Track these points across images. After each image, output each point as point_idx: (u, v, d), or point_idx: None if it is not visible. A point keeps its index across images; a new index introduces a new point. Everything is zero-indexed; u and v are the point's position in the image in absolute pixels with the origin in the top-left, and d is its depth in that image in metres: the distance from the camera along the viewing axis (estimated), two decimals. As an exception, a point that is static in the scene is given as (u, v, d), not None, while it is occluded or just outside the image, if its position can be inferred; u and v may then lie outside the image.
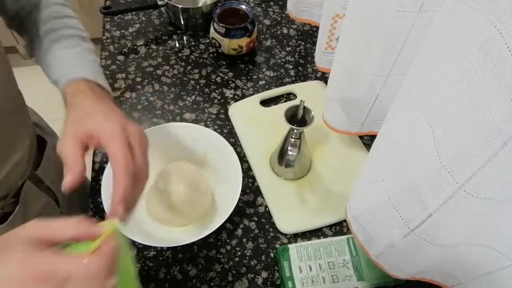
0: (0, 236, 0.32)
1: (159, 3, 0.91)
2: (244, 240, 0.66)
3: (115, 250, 0.33)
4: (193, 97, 0.84)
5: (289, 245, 0.63)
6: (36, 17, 0.59)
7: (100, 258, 0.31)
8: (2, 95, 0.55)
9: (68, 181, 0.41)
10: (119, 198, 0.40)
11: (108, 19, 0.98)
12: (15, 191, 0.60)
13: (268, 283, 0.62)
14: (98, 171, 0.72)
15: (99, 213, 0.62)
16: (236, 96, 0.85)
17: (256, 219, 0.69)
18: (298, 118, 0.65)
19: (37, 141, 0.67)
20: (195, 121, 0.79)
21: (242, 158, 0.74)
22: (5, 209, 0.59)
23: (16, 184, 0.60)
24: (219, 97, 0.84)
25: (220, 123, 0.80)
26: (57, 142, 0.45)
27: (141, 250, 0.64)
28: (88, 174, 0.73)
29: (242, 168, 0.64)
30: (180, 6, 0.91)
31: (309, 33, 0.97)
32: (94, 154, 0.75)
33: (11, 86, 0.58)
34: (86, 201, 0.69)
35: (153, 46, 0.93)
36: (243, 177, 0.66)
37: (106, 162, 0.72)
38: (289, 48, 0.93)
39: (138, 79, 0.86)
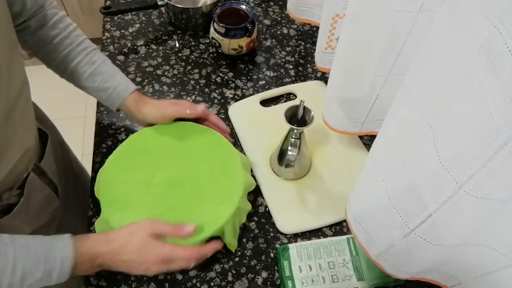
0: (129, 225, 0.55)
1: (159, 3, 0.91)
2: (244, 240, 0.66)
3: (202, 251, 0.56)
4: (193, 97, 0.84)
5: (289, 245, 0.63)
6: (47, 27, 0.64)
7: (193, 250, 0.55)
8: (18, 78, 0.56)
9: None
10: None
11: (108, 19, 0.98)
12: (19, 183, 0.61)
13: (268, 283, 0.62)
14: (98, 171, 0.72)
15: (98, 213, 0.62)
16: (236, 96, 0.85)
17: (256, 219, 0.69)
18: (298, 118, 0.65)
19: (39, 133, 0.68)
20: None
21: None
22: (10, 201, 0.60)
23: (21, 176, 0.61)
24: (219, 97, 0.84)
25: (220, 123, 0.80)
26: (163, 110, 0.67)
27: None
28: (88, 173, 0.73)
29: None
30: (180, 6, 0.91)
31: (309, 33, 0.97)
32: (94, 154, 0.75)
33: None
34: (83, 193, 0.70)
35: (153, 46, 0.93)
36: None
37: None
38: (289, 48, 0.93)
39: (138, 79, 0.86)
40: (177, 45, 0.93)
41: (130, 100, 0.67)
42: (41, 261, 0.49)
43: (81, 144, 1.78)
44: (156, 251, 0.53)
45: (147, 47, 0.92)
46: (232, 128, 0.79)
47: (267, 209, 0.69)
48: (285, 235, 0.67)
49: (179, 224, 0.56)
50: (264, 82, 0.87)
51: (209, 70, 0.89)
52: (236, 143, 0.77)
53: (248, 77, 0.88)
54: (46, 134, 0.71)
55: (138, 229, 0.54)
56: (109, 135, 0.78)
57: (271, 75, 0.88)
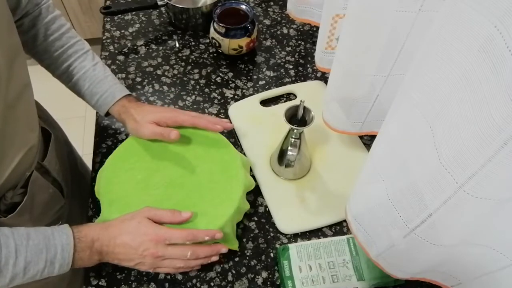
0: (126, 214, 0.57)
1: (159, 3, 0.91)
2: (244, 240, 0.66)
3: (197, 234, 0.55)
4: (193, 97, 0.84)
5: (289, 245, 0.63)
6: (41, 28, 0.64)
7: (187, 231, 0.55)
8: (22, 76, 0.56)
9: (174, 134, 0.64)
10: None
11: (108, 19, 0.98)
12: (23, 182, 0.61)
13: (268, 283, 0.62)
14: (98, 171, 0.72)
15: (98, 213, 0.62)
16: (236, 96, 0.85)
17: (256, 219, 0.69)
18: (298, 118, 0.65)
19: (42, 132, 0.68)
20: (195, 121, 0.79)
21: (242, 158, 0.74)
22: (14, 199, 0.60)
23: (25, 175, 0.61)
24: (219, 97, 0.84)
25: (220, 123, 0.80)
26: (141, 130, 0.64)
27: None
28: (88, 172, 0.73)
29: (242, 168, 0.64)
30: (180, 6, 0.91)
31: (309, 33, 0.97)
32: (94, 154, 0.75)
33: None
34: (86, 193, 0.71)
35: (153, 46, 0.93)
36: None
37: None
38: (289, 48, 0.93)
39: (138, 79, 0.86)
40: (177, 45, 0.93)
41: (115, 109, 0.67)
42: (43, 249, 0.49)
43: (81, 144, 1.78)
44: (151, 230, 0.54)
45: (147, 47, 0.92)
46: (232, 128, 0.79)
47: (267, 209, 0.69)
48: (285, 235, 0.67)
49: (176, 210, 0.58)
50: (264, 82, 0.87)
51: (209, 70, 0.89)
52: (236, 143, 0.77)
53: (248, 77, 0.88)
54: (50, 133, 0.71)
55: (135, 213, 0.57)
56: (109, 135, 0.78)
57: (271, 75, 0.88)
